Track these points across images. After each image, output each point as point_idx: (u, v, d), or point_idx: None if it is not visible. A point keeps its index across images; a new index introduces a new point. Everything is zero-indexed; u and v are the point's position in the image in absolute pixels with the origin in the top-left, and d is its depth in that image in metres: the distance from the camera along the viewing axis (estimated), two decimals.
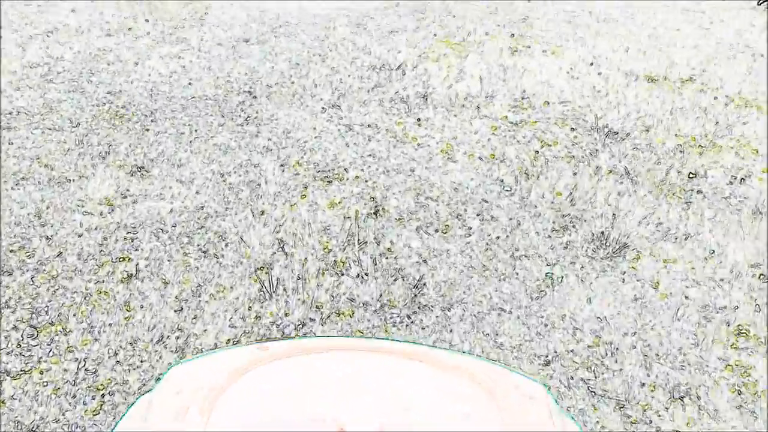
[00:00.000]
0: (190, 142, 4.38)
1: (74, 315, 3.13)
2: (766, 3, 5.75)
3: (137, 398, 1.41)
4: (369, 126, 4.66)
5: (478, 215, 3.87)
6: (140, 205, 3.74)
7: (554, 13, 6.65)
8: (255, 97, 5.07)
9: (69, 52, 5.68)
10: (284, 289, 3.24)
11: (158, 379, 1.50)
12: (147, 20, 6.38)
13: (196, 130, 4.55)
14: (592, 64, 6.00)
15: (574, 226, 3.81)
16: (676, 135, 4.86)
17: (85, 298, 3.18)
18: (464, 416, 1.20)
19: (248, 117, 4.74)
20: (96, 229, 3.60)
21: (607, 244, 3.67)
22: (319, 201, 3.87)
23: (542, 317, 3.19)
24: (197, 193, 3.92)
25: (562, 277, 3.39)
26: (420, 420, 1.17)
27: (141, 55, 5.69)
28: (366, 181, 4.10)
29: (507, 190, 4.09)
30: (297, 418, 1.14)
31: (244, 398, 1.18)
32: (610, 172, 4.44)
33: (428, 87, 5.28)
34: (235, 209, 3.79)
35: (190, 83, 5.23)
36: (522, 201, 4.03)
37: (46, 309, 3.14)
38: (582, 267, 3.56)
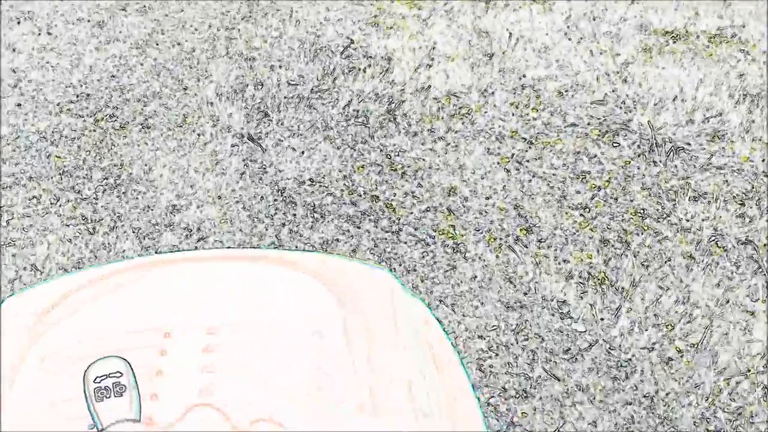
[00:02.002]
0: None
1: None
2: None
3: None
4: (312, 182, 2.42)
5: None
6: None
7: None
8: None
9: None
10: None
11: None
12: None
13: None
14: (595, 18, 3.76)
15: None
16: (754, 141, 2.70)
17: None
18: (298, 306, 0.98)
19: None
20: None
21: None
22: None
23: None
24: None
25: None
26: (251, 318, 0.96)
27: None
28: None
29: (567, 356, 1.91)
30: (120, 331, 0.92)
31: (68, 320, 0.95)
32: (717, 244, 2.32)
33: (393, 86, 2.99)
34: None
35: None
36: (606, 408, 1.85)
37: None
38: None
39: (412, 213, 2.22)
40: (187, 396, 0.88)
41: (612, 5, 3.67)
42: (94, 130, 2.61)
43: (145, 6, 3.51)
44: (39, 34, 3.33)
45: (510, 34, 3.34)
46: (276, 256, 1.14)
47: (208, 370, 0.91)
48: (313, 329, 0.98)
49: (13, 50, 3.23)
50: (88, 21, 3.40)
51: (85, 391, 0.86)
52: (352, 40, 3.30)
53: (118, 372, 0.88)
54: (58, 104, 2.77)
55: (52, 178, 2.35)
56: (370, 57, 3.10)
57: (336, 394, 0.90)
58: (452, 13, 3.62)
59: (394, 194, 2.31)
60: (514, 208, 2.29)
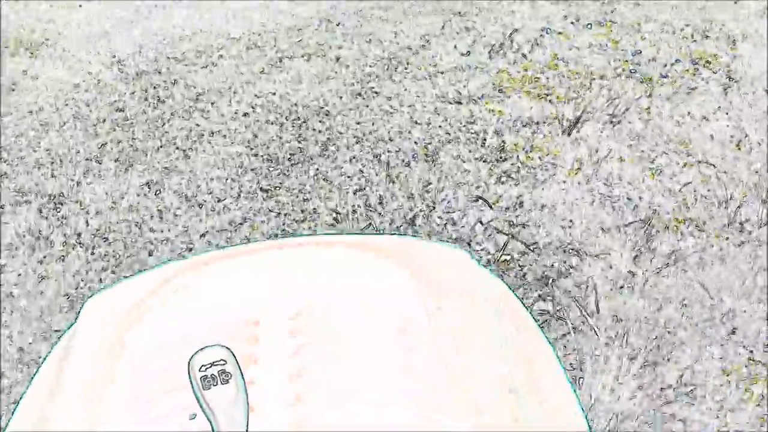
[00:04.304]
0: None
1: None
2: None
3: (60, 337, 0.98)
4: None
5: None
6: None
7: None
8: None
9: None
10: None
11: (78, 314, 0.93)
12: None
13: None
14: None
15: None
16: None
17: None
18: (382, 294, 0.88)
19: None
20: None
21: None
22: None
23: None
24: None
25: None
26: (337, 299, 0.88)
27: None
28: None
29: None
30: (211, 323, 0.85)
31: (157, 315, 0.88)
32: None
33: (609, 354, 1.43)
34: None
35: None
36: None
37: None
38: None
39: None
40: (281, 382, 0.78)
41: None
42: None
43: (193, 108, 2.00)
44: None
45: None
46: (356, 240, 1.07)
47: (296, 354, 0.81)
48: (398, 325, 0.84)
49: None
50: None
51: (191, 380, 0.77)
52: (488, 203, 1.78)
53: (222, 360, 0.79)
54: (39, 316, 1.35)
55: None
56: (538, 249, 1.61)
57: (423, 395, 0.78)
58: (615, 115, 2.09)
59: None
60: None
